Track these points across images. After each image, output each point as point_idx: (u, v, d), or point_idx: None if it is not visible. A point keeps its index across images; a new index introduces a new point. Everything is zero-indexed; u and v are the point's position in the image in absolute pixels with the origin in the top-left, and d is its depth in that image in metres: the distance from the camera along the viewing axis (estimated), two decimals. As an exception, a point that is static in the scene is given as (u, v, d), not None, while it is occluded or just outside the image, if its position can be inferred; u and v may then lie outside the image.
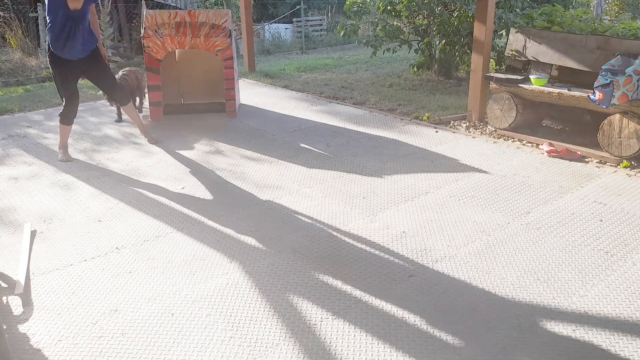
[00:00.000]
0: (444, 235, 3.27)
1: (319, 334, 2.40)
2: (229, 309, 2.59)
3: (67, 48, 4.49)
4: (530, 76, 5.16)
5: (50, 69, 4.67)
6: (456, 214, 3.56)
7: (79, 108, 4.86)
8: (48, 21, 4.44)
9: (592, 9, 11.93)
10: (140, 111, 5.95)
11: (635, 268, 2.87)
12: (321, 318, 2.51)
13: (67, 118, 4.74)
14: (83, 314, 2.57)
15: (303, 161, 4.65)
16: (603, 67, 4.44)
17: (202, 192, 4.04)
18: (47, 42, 4.57)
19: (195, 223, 3.52)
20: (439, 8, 7.83)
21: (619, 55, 4.42)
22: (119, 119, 5.94)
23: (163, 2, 12.17)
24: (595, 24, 5.53)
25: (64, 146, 4.82)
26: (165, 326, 2.47)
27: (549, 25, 5.49)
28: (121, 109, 5.72)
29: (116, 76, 5.33)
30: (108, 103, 6.01)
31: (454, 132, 5.43)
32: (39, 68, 9.59)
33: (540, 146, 4.88)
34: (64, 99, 4.69)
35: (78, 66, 4.64)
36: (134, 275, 2.91)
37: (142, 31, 5.69)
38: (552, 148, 4.70)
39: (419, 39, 8.28)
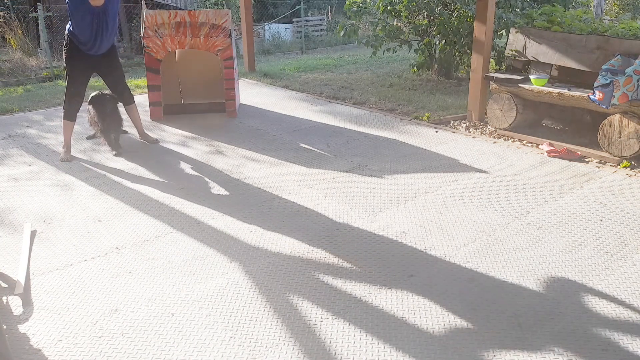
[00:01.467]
0: (444, 235, 3.27)
1: (319, 334, 2.40)
2: (229, 309, 2.59)
3: (94, 45, 4.59)
4: (530, 76, 5.16)
5: (65, 63, 4.71)
6: (456, 214, 3.56)
7: (80, 108, 4.87)
8: (72, 18, 4.48)
9: (592, 9, 11.94)
10: (119, 150, 4.94)
11: (635, 268, 2.87)
12: (321, 318, 2.51)
13: (68, 114, 4.80)
14: (83, 314, 2.57)
15: (303, 161, 4.65)
16: (603, 67, 4.44)
17: (202, 192, 4.04)
18: (66, 34, 4.61)
19: (195, 223, 3.52)
20: (439, 8, 7.83)
21: (619, 55, 4.42)
22: (116, 151, 4.94)
23: (163, 2, 12.18)
24: (595, 24, 5.53)
25: (67, 144, 4.84)
26: (165, 326, 2.47)
27: (549, 25, 5.49)
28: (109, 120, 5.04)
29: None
30: (97, 137, 5.16)
31: (454, 132, 5.43)
32: (39, 68, 9.59)
33: (540, 146, 4.88)
34: (65, 96, 4.76)
35: (94, 61, 4.72)
36: (134, 275, 2.91)
37: (142, 31, 5.69)
38: (552, 148, 4.70)
39: (419, 39, 8.28)
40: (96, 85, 7.63)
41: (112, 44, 4.80)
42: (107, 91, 5.05)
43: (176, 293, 2.73)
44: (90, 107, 4.95)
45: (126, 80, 5.15)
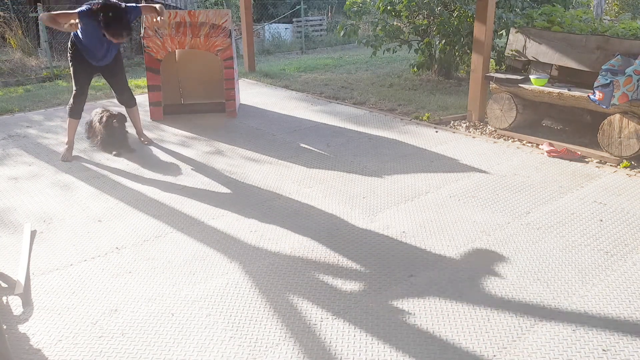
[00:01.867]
0: (444, 235, 3.27)
1: (319, 334, 2.40)
2: (229, 309, 2.59)
3: (103, 59, 4.68)
4: (530, 76, 5.16)
5: (70, 61, 4.73)
6: (456, 214, 3.56)
7: (84, 107, 4.88)
8: (83, 35, 4.47)
9: (592, 9, 11.94)
10: (119, 150, 4.94)
11: (635, 268, 2.87)
12: (321, 318, 2.51)
13: (73, 112, 4.82)
14: (83, 314, 2.57)
15: (303, 161, 4.65)
16: (603, 67, 4.44)
17: (202, 192, 4.04)
18: (71, 39, 4.62)
19: (195, 223, 3.52)
20: (439, 8, 7.83)
21: (619, 55, 4.42)
22: (116, 151, 4.95)
23: (163, 2, 12.18)
24: (595, 24, 5.53)
25: (70, 143, 4.85)
26: (165, 326, 2.47)
27: (549, 25, 5.49)
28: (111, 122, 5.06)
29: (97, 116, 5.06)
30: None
31: (454, 132, 5.43)
32: (39, 68, 9.59)
33: (540, 146, 4.88)
34: (72, 94, 4.78)
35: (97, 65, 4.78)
36: (134, 275, 2.91)
37: (142, 31, 5.70)
38: (552, 148, 4.70)
39: (419, 39, 8.28)
40: (96, 85, 7.64)
41: (116, 53, 4.82)
42: (114, 106, 5.03)
43: (176, 293, 2.73)
44: (101, 127, 4.97)
45: (128, 82, 5.16)
